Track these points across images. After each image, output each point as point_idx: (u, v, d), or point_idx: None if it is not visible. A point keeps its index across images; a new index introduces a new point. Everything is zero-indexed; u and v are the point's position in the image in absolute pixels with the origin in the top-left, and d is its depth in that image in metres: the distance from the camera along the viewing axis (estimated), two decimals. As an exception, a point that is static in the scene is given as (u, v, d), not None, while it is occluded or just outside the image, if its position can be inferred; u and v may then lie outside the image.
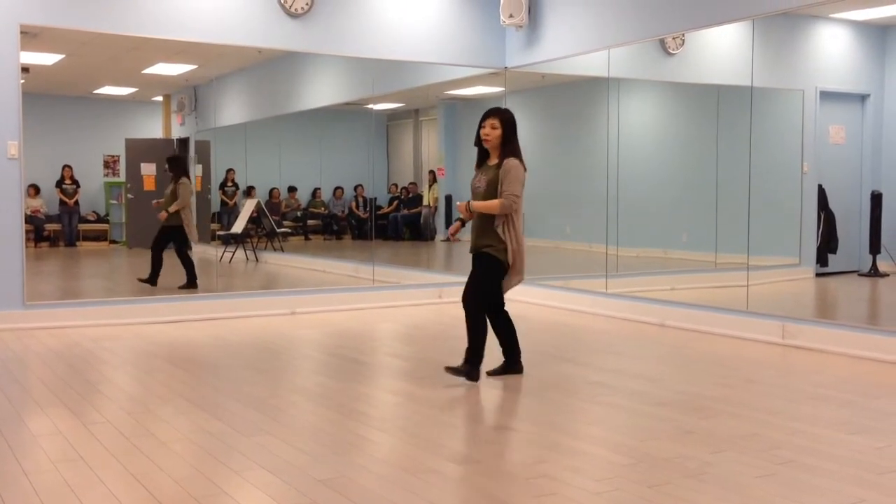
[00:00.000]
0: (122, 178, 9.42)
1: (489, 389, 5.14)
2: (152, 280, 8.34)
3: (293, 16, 8.22)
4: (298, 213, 10.48)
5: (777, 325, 6.61)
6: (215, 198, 9.76)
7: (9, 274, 7.18)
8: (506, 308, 5.48)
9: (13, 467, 3.63)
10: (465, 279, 5.32)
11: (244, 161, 10.03)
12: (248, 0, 8.02)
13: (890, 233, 7.08)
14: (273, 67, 9.58)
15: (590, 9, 8.31)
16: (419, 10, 8.86)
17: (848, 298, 7.58)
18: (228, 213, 9.92)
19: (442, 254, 10.94)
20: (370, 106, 9.63)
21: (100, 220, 9.59)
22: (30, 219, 8.66)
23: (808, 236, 7.48)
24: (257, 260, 10.02)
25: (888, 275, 7.12)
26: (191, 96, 9.53)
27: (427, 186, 10.86)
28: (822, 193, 7.40)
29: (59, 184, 9.27)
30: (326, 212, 10.62)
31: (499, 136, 5.17)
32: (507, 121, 5.19)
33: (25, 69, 7.27)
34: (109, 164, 9.42)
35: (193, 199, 9.54)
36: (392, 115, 10.89)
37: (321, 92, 9.97)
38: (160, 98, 9.93)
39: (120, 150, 9.36)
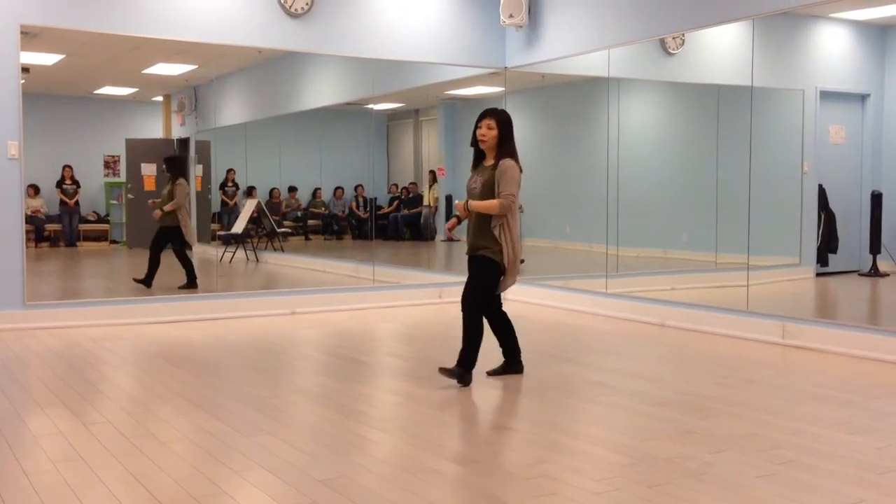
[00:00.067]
0: (123, 178, 9.42)
1: (489, 390, 5.14)
2: (147, 281, 8.33)
3: (293, 16, 8.22)
4: (299, 213, 10.48)
5: (777, 325, 6.61)
6: (215, 198, 9.76)
7: (9, 274, 7.18)
8: (503, 309, 5.46)
9: (13, 467, 3.63)
10: (465, 279, 5.31)
11: (244, 161, 10.03)
12: (248, 0, 8.03)
13: (890, 233, 7.08)
14: (273, 67, 9.58)
15: (590, 9, 8.31)
16: (419, 10, 8.86)
17: (848, 298, 7.58)
18: (229, 213, 9.93)
19: (442, 254, 10.94)
20: (370, 106, 9.63)
21: (100, 220, 9.59)
22: (30, 219, 8.67)
23: (808, 236, 7.48)
24: (257, 260, 10.02)
25: (888, 274, 7.12)
26: (191, 96, 9.53)
27: (427, 186, 10.86)
28: (822, 193, 7.40)
29: (60, 184, 9.27)
30: (327, 212, 10.62)
31: (495, 137, 5.15)
32: (503, 121, 5.18)
33: (25, 69, 7.27)
34: (110, 165, 9.42)
35: (195, 199, 9.55)
36: (392, 115, 10.89)
37: (321, 92, 9.97)
38: (160, 98, 9.93)
39: (120, 151, 9.36)
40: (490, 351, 5.46)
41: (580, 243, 9.45)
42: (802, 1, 6.48)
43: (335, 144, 10.55)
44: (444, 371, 5.15)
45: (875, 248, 7.17)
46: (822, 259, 7.50)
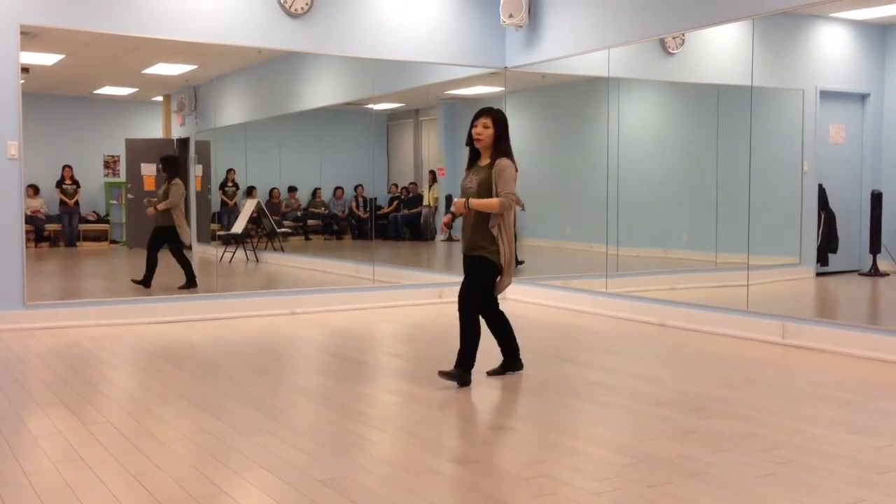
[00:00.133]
0: (123, 178, 9.42)
1: (489, 389, 5.14)
2: (146, 282, 8.32)
3: (293, 16, 8.22)
4: (298, 213, 10.48)
5: (777, 324, 6.61)
6: (215, 198, 9.76)
7: (9, 274, 7.18)
8: (500, 308, 5.44)
9: (13, 467, 3.63)
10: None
11: (244, 161, 10.03)
12: (248, 0, 8.03)
13: (890, 232, 7.08)
14: (273, 67, 9.58)
15: (590, 9, 8.31)
16: (419, 10, 8.86)
17: (848, 298, 7.58)
18: (229, 213, 9.93)
19: (442, 254, 10.94)
20: (370, 106, 9.63)
21: (100, 220, 9.59)
22: (30, 219, 8.67)
23: (808, 236, 7.48)
24: (257, 260, 10.02)
25: (888, 274, 7.12)
26: (191, 96, 9.53)
27: (427, 186, 10.86)
28: (822, 193, 7.40)
29: (60, 184, 9.27)
30: (326, 212, 10.63)
31: (491, 136, 5.14)
32: (499, 120, 5.17)
33: (25, 69, 7.27)
34: (110, 165, 9.42)
35: (195, 199, 9.55)
36: (392, 115, 10.89)
37: (321, 92, 9.97)
38: (160, 98, 9.93)
39: (120, 151, 9.36)
40: (490, 351, 5.46)
41: (580, 243, 9.45)
42: (802, 1, 6.48)
43: (335, 144, 10.55)
44: (443, 374, 5.13)
45: (875, 247, 7.17)
46: (822, 259, 7.50)
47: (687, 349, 6.45)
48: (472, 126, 5.18)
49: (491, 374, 5.40)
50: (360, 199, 10.59)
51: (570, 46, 8.56)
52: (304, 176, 10.52)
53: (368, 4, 8.61)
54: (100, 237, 9.65)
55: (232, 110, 9.87)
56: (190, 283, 8.39)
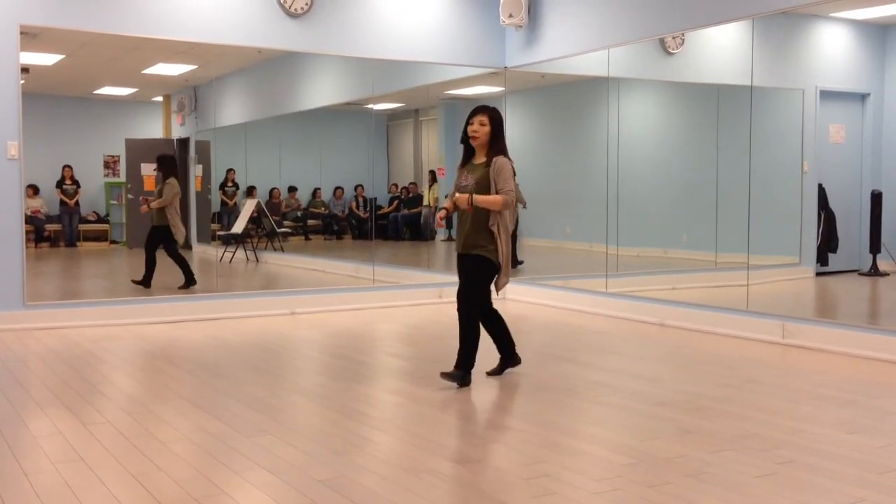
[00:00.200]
0: (123, 178, 9.42)
1: (489, 389, 5.14)
2: (146, 282, 8.32)
3: (293, 16, 8.22)
4: (298, 213, 10.48)
5: (777, 324, 6.61)
6: (215, 198, 9.76)
7: (9, 274, 7.18)
8: (494, 307, 5.42)
9: (13, 468, 3.63)
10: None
11: (244, 161, 10.04)
12: (247, 0, 8.03)
13: (890, 232, 7.08)
14: (273, 67, 9.58)
15: (590, 9, 8.31)
16: (419, 10, 8.86)
17: (848, 298, 7.58)
18: (229, 213, 9.93)
19: (442, 254, 10.94)
20: (370, 106, 9.63)
21: (100, 220, 9.59)
22: (30, 219, 8.67)
23: (808, 235, 7.48)
24: (257, 260, 10.02)
25: (888, 274, 7.12)
26: (191, 96, 9.54)
27: (427, 186, 10.86)
28: (822, 193, 7.40)
29: (60, 184, 9.28)
30: (326, 212, 10.63)
31: (487, 133, 5.11)
32: (495, 118, 5.15)
33: (25, 69, 7.27)
34: (110, 165, 9.42)
35: (195, 199, 9.55)
36: (392, 115, 10.89)
37: (321, 92, 9.97)
38: (160, 98, 9.93)
39: (120, 151, 9.37)
40: (489, 351, 5.45)
41: (580, 243, 9.45)
42: (802, 1, 6.48)
43: (335, 144, 10.55)
44: (445, 375, 5.12)
45: (875, 247, 7.17)
46: (822, 258, 7.50)
47: (687, 349, 6.45)
48: (467, 123, 5.15)
49: (491, 374, 5.40)
50: (360, 199, 10.60)
51: (570, 46, 8.56)
52: (304, 176, 10.52)
53: (368, 4, 8.61)
54: (100, 237, 9.65)
55: (232, 110, 9.87)
56: (189, 283, 8.39)
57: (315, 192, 10.56)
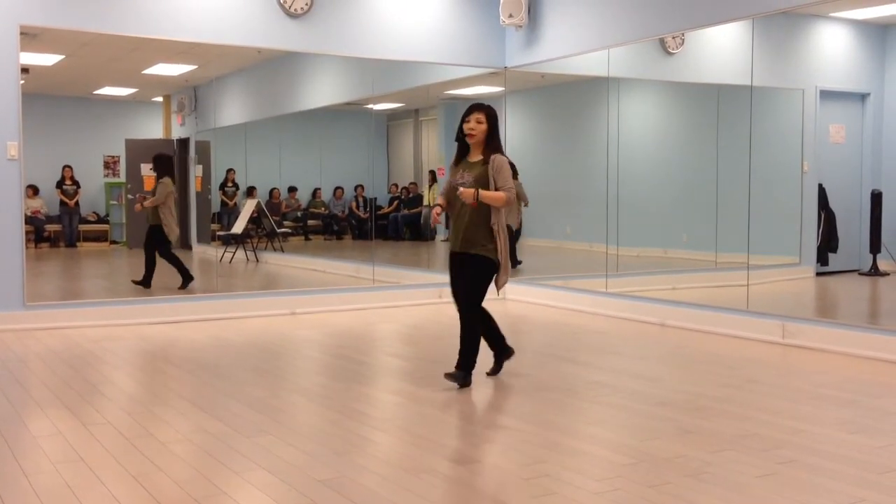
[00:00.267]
0: (123, 178, 9.42)
1: (489, 390, 5.14)
2: (146, 282, 8.32)
3: (293, 16, 8.22)
4: (299, 214, 10.48)
5: (777, 324, 6.61)
6: (215, 198, 9.76)
7: (9, 275, 7.18)
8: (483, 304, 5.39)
9: (13, 468, 3.63)
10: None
11: (244, 161, 10.04)
12: (247, 0, 8.03)
13: (890, 232, 7.08)
14: (273, 67, 9.58)
15: (590, 9, 8.31)
16: (419, 11, 8.86)
17: (848, 298, 7.58)
18: (229, 213, 9.93)
19: (442, 254, 10.93)
20: (370, 106, 9.63)
21: (100, 220, 9.59)
22: (30, 219, 8.67)
23: (808, 235, 7.48)
24: (257, 260, 10.02)
25: (888, 274, 7.12)
26: (191, 97, 9.54)
27: (427, 186, 10.86)
28: (822, 192, 7.40)
29: (60, 184, 9.28)
30: (327, 212, 10.63)
31: (484, 131, 5.09)
32: (491, 116, 5.13)
33: (25, 70, 7.27)
34: (110, 165, 9.43)
35: (194, 199, 9.55)
36: (392, 115, 10.89)
37: (321, 92, 9.97)
38: (160, 98, 9.93)
39: (120, 151, 9.37)
40: (485, 350, 5.45)
41: (580, 243, 9.45)
42: (802, 1, 6.48)
43: (335, 144, 10.55)
44: (448, 376, 5.10)
45: (875, 247, 7.17)
46: (822, 258, 7.50)
47: (687, 349, 6.45)
48: (464, 121, 5.11)
49: (490, 373, 5.40)
50: (360, 200, 10.60)
51: (570, 46, 8.56)
52: (304, 176, 10.52)
53: (368, 4, 8.61)
54: (100, 237, 9.65)
55: (232, 110, 9.87)
56: (186, 281, 8.38)
57: (315, 193, 10.55)
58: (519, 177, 9.03)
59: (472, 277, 5.11)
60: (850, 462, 3.66)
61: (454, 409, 4.72)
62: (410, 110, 10.97)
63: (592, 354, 6.31)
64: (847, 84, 7.51)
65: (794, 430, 4.15)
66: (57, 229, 9.38)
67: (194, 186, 9.62)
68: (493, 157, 5.04)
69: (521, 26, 8.91)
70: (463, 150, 5.21)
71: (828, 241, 7.45)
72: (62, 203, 9.29)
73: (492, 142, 5.10)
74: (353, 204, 10.60)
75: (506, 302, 8.82)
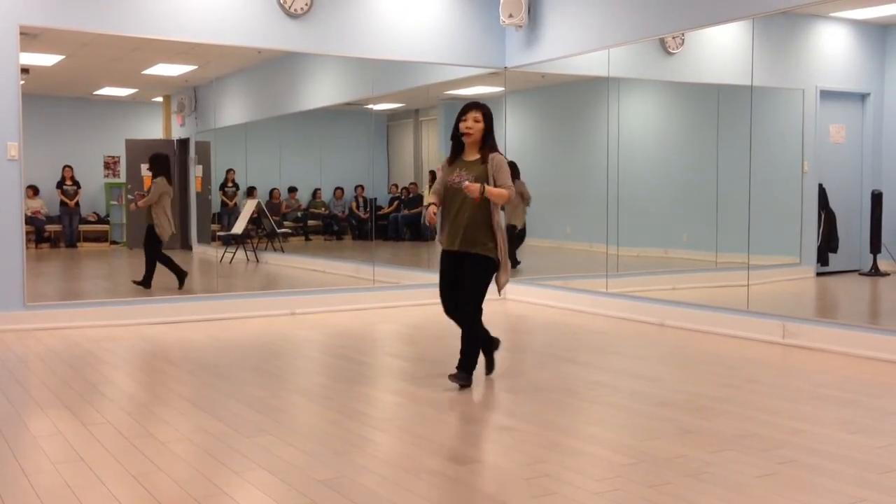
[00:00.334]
0: (123, 178, 9.42)
1: (489, 390, 5.14)
2: (146, 282, 8.31)
3: (293, 16, 8.22)
4: (299, 214, 10.48)
5: (777, 324, 6.61)
6: (216, 198, 9.76)
7: (9, 275, 7.18)
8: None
9: (13, 468, 3.63)
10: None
11: (244, 161, 10.04)
12: (247, 0, 8.03)
13: (890, 232, 7.08)
14: (273, 68, 9.58)
15: (590, 9, 8.31)
16: (419, 11, 8.86)
17: (849, 298, 7.58)
18: (229, 213, 9.93)
19: (442, 254, 10.92)
20: (370, 106, 9.63)
21: (100, 220, 9.60)
22: (30, 220, 8.67)
23: (808, 235, 7.47)
24: (258, 260, 10.02)
25: (889, 274, 7.11)
26: (191, 97, 9.54)
27: (427, 186, 10.86)
28: (822, 192, 7.40)
29: (60, 185, 9.28)
30: (327, 212, 10.62)
31: (481, 130, 5.07)
32: (488, 115, 5.11)
33: (25, 70, 7.27)
34: (110, 165, 9.43)
35: (194, 200, 9.55)
36: (392, 115, 10.89)
37: (321, 92, 9.97)
38: (160, 99, 9.94)
39: (120, 151, 9.37)
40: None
41: (580, 243, 9.45)
42: (802, 1, 6.48)
43: (335, 144, 10.55)
44: (452, 377, 5.08)
45: (875, 247, 7.16)
46: (822, 258, 7.50)
47: (687, 349, 6.45)
48: (460, 120, 5.08)
49: (489, 373, 5.40)
50: (361, 200, 10.59)
51: (570, 46, 8.56)
52: (305, 176, 10.52)
53: (368, 4, 8.61)
54: (100, 238, 9.65)
55: (232, 111, 9.87)
56: (181, 278, 8.36)
57: (315, 193, 10.55)
58: (521, 176, 9.04)
59: (473, 277, 5.07)
60: (850, 462, 3.66)
61: (454, 409, 4.72)
62: (410, 110, 10.97)
63: (592, 354, 6.31)
64: (847, 84, 7.51)
65: (794, 430, 4.15)
66: (57, 229, 9.38)
67: (194, 187, 9.61)
68: (491, 156, 5.03)
69: (521, 26, 8.91)
70: (457, 149, 5.19)
71: (828, 242, 7.45)
72: (62, 203, 9.29)
73: (488, 141, 5.09)
74: (354, 204, 10.60)
75: (506, 302, 8.82)
